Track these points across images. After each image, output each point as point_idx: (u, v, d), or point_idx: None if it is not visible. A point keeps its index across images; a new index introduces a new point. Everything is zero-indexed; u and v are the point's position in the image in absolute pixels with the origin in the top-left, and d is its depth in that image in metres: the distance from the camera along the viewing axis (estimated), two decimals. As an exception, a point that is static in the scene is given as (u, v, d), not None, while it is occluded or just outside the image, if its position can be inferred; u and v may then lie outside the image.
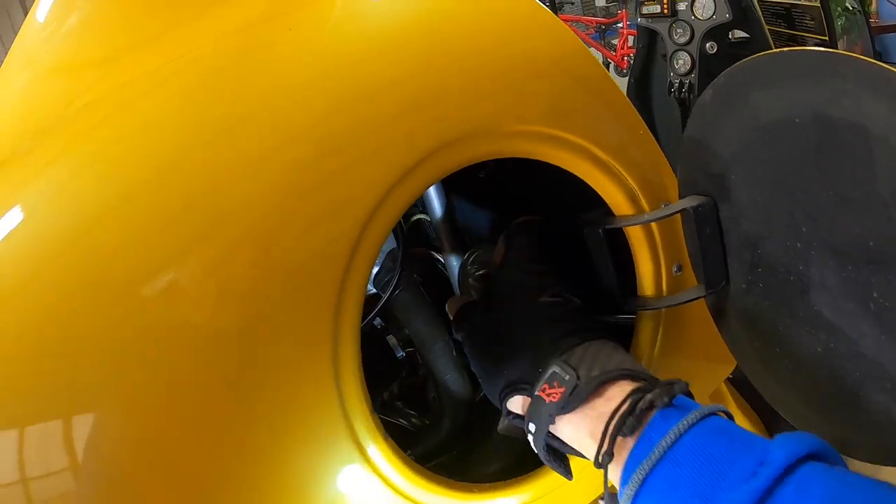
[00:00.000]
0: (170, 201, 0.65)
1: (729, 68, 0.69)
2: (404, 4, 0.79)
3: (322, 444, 0.68)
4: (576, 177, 0.79)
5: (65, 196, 0.68)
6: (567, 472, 0.74)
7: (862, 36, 5.06)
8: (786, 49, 0.62)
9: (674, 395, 0.64)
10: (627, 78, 2.93)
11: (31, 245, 0.64)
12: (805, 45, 2.49)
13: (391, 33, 0.74)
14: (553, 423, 0.68)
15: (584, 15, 6.62)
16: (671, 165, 0.84)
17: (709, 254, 0.78)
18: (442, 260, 1.16)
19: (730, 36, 2.63)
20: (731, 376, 1.25)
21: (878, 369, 0.65)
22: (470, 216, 1.18)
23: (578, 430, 0.67)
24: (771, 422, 1.54)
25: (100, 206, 0.65)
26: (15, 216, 0.67)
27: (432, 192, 0.97)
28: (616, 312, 0.88)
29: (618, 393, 0.66)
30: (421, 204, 1.08)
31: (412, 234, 1.18)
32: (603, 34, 6.04)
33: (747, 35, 2.60)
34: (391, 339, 1.06)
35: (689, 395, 0.66)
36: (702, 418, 0.61)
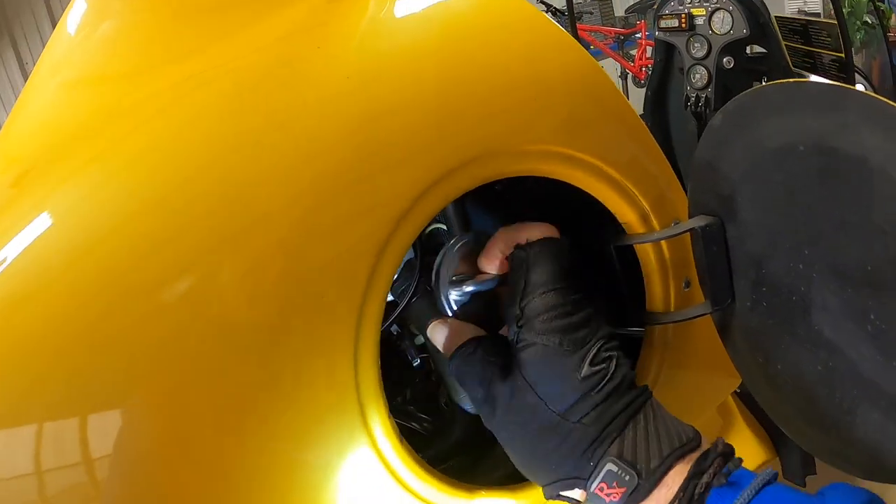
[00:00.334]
0: (200, 207, 0.68)
1: (739, 95, 0.72)
2: (423, 23, 0.82)
3: (340, 443, 0.71)
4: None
5: (96, 199, 0.71)
6: None
7: (880, 50, 5.06)
8: (794, 80, 0.65)
9: (729, 473, 0.66)
10: (645, 90, 2.95)
11: (66, 243, 0.68)
12: (822, 61, 2.51)
13: (411, 52, 0.78)
14: None
15: (604, 25, 6.65)
16: (686, 178, 0.86)
17: (715, 272, 0.81)
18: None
19: (747, 51, 2.64)
20: (738, 390, 1.27)
21: (874, 389, 0.67)
22: (485, 225, 1.21)
23: None
24: (777, 436, 1.56)
25: (131, 209, 0.69)
26: (47, 219, 0.70)
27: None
28: (625, 326, 0.91)
29: (676, 479, 0.67)
30: (439, 214, 1.12)
31: (429, 242, 1.22)
32: (621, 44, 6.07)
33: (764, 50, 2.61)
34: (407, 346, 1.09)
35: (739, 464, 0.68)
36: (757, 493, 0.64)
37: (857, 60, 5.27)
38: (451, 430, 1.11)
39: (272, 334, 0.67)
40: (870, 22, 5.04)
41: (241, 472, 0.68)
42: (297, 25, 0.86)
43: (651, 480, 0.66)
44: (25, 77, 5.42)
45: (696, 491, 0.65)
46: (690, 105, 2.58)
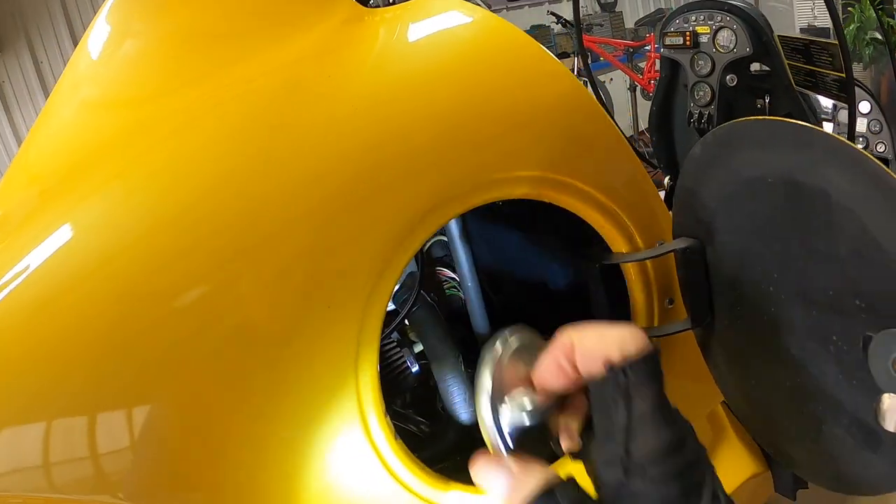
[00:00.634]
0: (214, 222, 0.74)
1: (716, 128, 0.78)
2: (428, 53, 0.88)
3: (340, 440, 0.76)
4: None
5: (119, 212, 0.78)
6: None
7: (889, 66, 5.08)
8: (766, 118, 0.70)
9: None
10: (650, 104, 2.98)
11: (90, 253, 0.73)
12: (824, 80, 2.55)
13: (416, 80, 0.84)
14: None
15: (614, 37, 6.69)
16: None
17: (696, 291, 0.86)
18: (457, 279, 1.25)
19: (750, 69, 2.67)
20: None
21: (837, 406, 0.72)
22: (486, 236, 1.27)
23: None
24: (768, 448, 1.59)
25: (151, 222, 0.75)
26: (69, 230, 0.76)
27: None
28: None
29: None
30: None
31: (429, 255, 1.27)
32: (631, 57, 6.10)
33: (767, 69, 2.65)
34: (406, 353, 1.14)
35: None
36: None
37: (866, 76, 5.28)
38: (446, 433, 1.16)
39: (279, 340, 0.72)
40: (879, 38, 5.04)
41: (247, 459, 0.73)
42: (310, 50, 0.91)
43: None
44: (41, 77, 5.53)
45: None
46: (694, 121, 2.62)
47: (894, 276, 0.62)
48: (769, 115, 2.18)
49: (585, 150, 0.85)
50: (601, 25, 6.87)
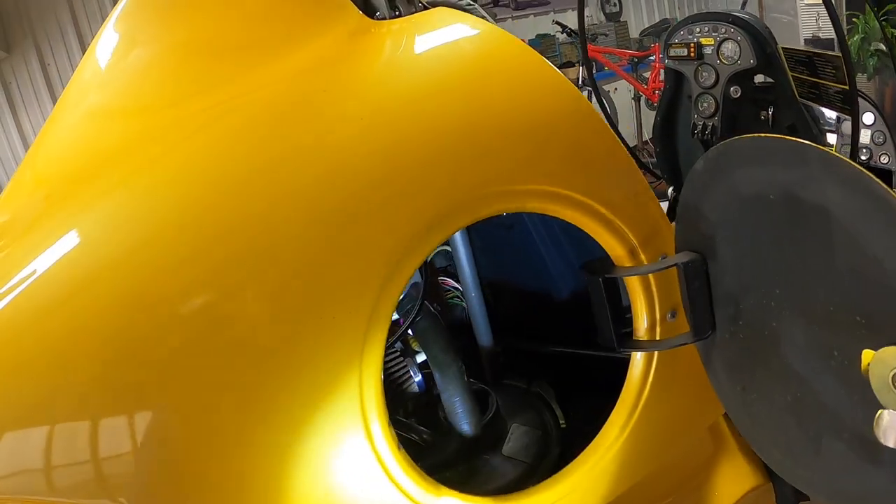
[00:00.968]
0: (219, 230, 0.75)
1: (718, 144, 0.79)
2: (433, 66, 0.89)
3: (343, 449, 0.77)
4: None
5: (123, 219, 0.78)
6: None
7: (893, 77, 5.08)
8: (762, 135, 0.71)
9: None
10: (655, 115, 2.99)
11: (94, 259, 0.74)
12: (827, 92, 2.56)
13: (421, 93, 0.84)
14: None
15: (618, 47, 6.70)
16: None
17: (697, 305, 0.87)
18: (460, 288, 1.26)
19: (754, 80, 2.68)
20: (730, 414, 1.32)
21: (837, 420, 0.73)
22: (488, 247, 1.28)
23: None
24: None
25: (156, 229, 0.75)
26: (75, 236, 0.77)
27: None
28: (611, 352, 0.96)
29: None
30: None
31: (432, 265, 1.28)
32: (635, 67, 6.11)
33: (771, 80, 2.66)
34: (409, 363, 1.15)
35: None
36: None
37: (871, 87, 5.28)
38: (447, 442, 1.17)
39: (284, 348, 0.73)
40: (884, 49, 5.06)
41: (249, 465, 0.73)
42: (317, 61, 0.92)
43: None
44: (48, 79, 5.56)
45: None
46: (698, 133, 2.62)
47: (894, 293, 0.62)
48: (773, 127, 2.19)
49: (588, 163, 0.86)
50: (606, 35, 6.88)
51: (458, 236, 1.05)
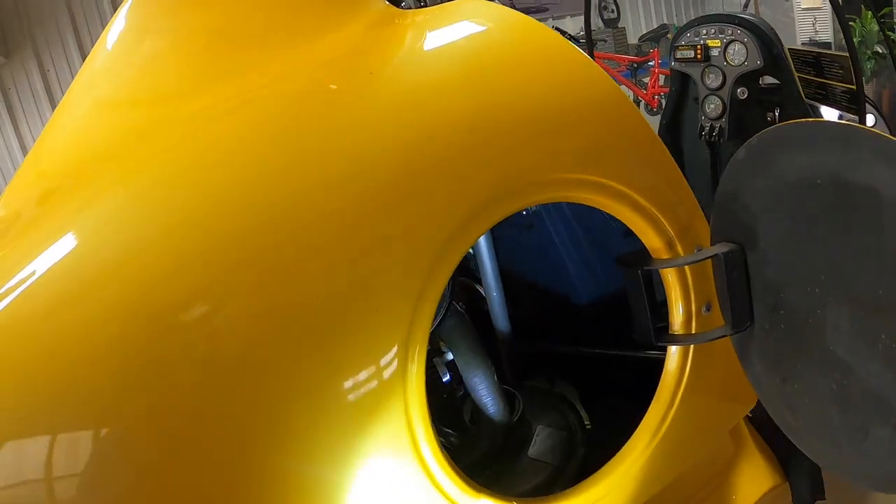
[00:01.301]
0: (229, 230, 0.72)
1: (761, 132, 0.78)
2: (456, 56, 0.88)
3: (385, 451, 0.75)
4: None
5: (122, 220, 0.75)
6: None
7: (891, 80, 5.12)
8: (812, 119, 0.70)
9: None
10: (659, 118, 3.00)
11: (93, 262, 0.71)
12: (834, 92, 2.56)
13: (444, 84, 0.83)
14: None
15: (617, 53, 6.72)
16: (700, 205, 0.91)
17: (736, 296, 0.86)
18: (481, 291, 1.25)
19: (760, 82, 2.69)
20: (750, 415, 1.31)
21: (885, 406, 0.72)
22: (508, 248, 1.27)
23: None
24: (787, 462, 1.59)
25: (153, 232, 0.72)
26: (72, 239, 0.74)
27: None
28: (648, 347, 0.96)
29: None
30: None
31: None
32: (634, 72, 6.14)
33: (777, 81, 2.66)
34: (437, 362, 1.14)
35: None
36: None
37: (868, 90, 5.30)
38: (475, 445, 1.15)
39: (324, 346, 0.71)
40: (880, 52, 5.09)
41: (281, 467, 0.71)
42: (341, 51, 0.90)
43: None
44: (47, 85, 5.55)
45: None
46: (704, 134, 2.63)
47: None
48: (784, 126, 2.18)
49: (623, 151, 0.86)
50: (605, 41, 6.91)
51: (481, 236, 1.04)
